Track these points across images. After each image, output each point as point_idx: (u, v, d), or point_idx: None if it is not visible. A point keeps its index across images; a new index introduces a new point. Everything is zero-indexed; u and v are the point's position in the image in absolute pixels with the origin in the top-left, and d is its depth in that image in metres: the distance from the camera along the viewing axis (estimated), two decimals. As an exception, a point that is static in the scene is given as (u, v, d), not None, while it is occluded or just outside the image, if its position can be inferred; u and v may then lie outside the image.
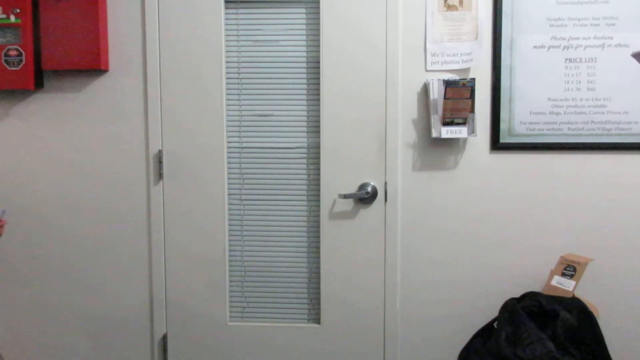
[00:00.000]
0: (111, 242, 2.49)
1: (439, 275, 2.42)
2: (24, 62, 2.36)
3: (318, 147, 2.42)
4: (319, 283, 2.46)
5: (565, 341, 2.06)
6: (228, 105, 2.44)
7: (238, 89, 2.44)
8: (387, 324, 2.43)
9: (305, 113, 2.42)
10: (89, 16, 2.34)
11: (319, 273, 2.45)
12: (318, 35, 2.38)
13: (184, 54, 2.41)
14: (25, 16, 2.35)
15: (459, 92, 2.26)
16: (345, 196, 2.35)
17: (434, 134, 2.31)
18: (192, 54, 2.40)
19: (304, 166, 2.44)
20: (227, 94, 2.44)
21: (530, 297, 2.18)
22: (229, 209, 2.47)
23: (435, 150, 2.38)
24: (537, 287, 2.32)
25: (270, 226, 2.47)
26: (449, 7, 2.32)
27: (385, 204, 2.39)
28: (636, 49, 2.28)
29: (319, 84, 2.39)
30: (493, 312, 2.32)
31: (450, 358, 2.42)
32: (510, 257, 2.39)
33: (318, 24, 2.38)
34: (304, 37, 2.40)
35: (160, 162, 2.44)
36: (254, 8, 2.41)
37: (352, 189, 2.40)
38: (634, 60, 2.29)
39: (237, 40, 2.42)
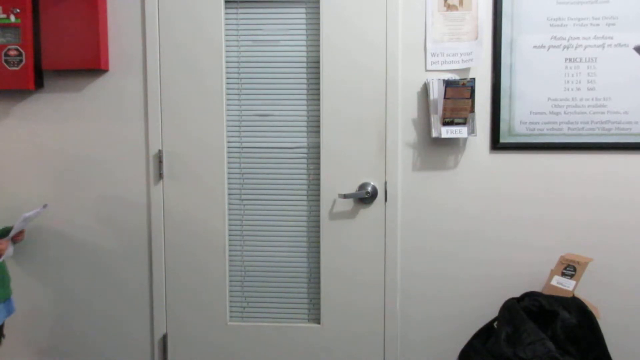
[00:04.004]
0: (111, 241, 2.49)
1: (439, 275, 2.42)
2: (24, 62, 2.36)
3: (318, 147, 2.42)
4: (319, 283, 2.46)
5: (565, 341, 2.06)
6: (228, 105, 2.44)
7: (238, 89, 2.44)
8: (387, 324, 2.43)
9: (305, 113, 2.43)
10: (89, 16, 2.34)
11: (319, 273, 2.45)
12: (318, 35, 2.38)
13: (184, 54, 2.41)
14: (25, 16, 2.35)
15: (459, 92, 2.26)
16: (345, 196, 2.35)
17: (434, 134, 2.31)
18: (192, 54, 2.40)
19: (304, 166, 2.44)
20: (227, 94, 2.44)
21: (530, 297, 2.18)
22: (229, 209, 2.47)
23: (435, 150, 2.38)
24: (537, 287, 2.32)
25: (270, 226, 2.47)
26: (449, 7, 2.32)
27: (385, 204, 2.39)
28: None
29: (319, 84, 2.39)
30: (493, 312, 2.32)
31: (450, 358, 2.43)
32: (510, 257, 2.39)
33: (318, 24, 2.38)
34: (304, 37, 2.40)
35: (160, 162, 2.45)
36: (254, 8, 2.41)
37: (352, 188, 2.40)
38: (634, 60, 2.29)
39: (237, 40, 2.42)
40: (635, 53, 2.28)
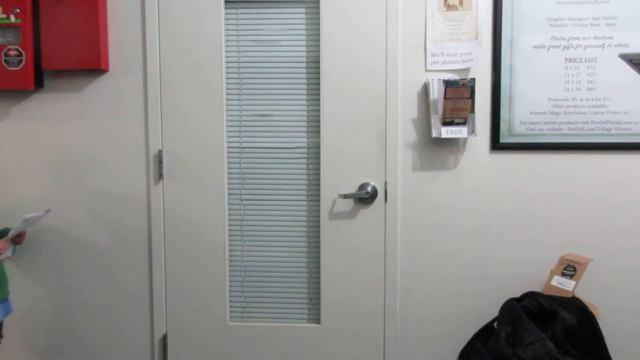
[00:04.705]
0: (111, 241, 2.49)
1: (439, 275, 2.42)
2: (24, 62, 2.37)
3: (318, 147, 2.42)
4: (319, 283, 2.46)
5: (565, 341, 2.06)
6: (228, 105, 2.44)
7: (238, 89, 2.44)
8: (387, 324, 2.43)
9: (305, 113, 2.43)
10: (89, 16, 2.34)
11: (319, 273, 2.45)
12: (318, 35, 2.38)
13: (184, 54, 2.41)
14: (25, 16, 2.36)
15: (459, 92, 2.26)
16: (345, 196, 2.35)
17: (434, 134, 2.31)
18: (192, 53, 2.40)
19: (304, 166, 2.44)
20: (227, 94, 2.44)
21: (530, 297, 2.18)
22: (229, 209, 2.47)
23: (435, 150, 2.38)
24: (537, 287, 2.32)
25: (270, 226, 2.47)
26: (449, 7, 2.32)
27: (385, 204, 2.39)
28: (635, 50, 2.28)
29: (319, 84, 2.39)
30: (493, 312, 2.32)
31: (450, 358, 2.42)
32: (510, 257, 2.39)
33: (318, 24, 2.38)
34: (304, 37, 2.40)
35: (160, 162, 2.45)
36: (254, 8, 2.41)
37: (352, 188, 2.40)
38: (634, 60, 2.29)
39: (237, 40, 2.42)
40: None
